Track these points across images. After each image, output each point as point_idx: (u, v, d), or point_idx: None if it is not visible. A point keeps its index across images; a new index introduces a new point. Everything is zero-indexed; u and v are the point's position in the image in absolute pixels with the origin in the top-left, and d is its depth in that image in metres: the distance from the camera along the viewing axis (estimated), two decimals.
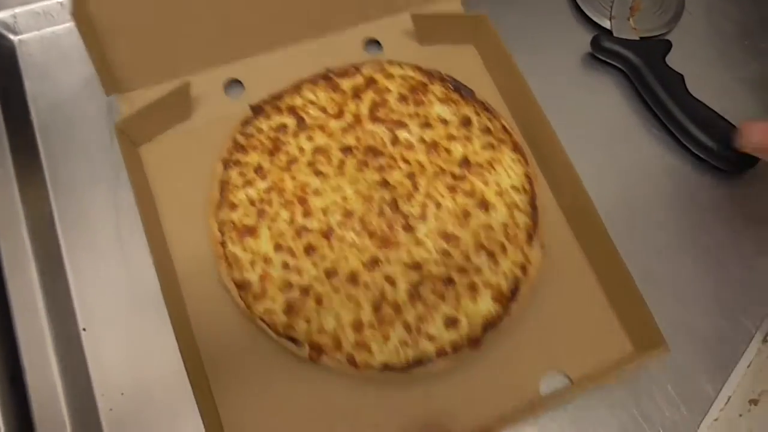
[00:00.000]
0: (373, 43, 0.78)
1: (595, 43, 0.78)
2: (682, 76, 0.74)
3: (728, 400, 0.62)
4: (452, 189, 0.67)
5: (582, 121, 0.76)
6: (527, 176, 0.68)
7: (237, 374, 0.61)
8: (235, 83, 0.74)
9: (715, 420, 0.60)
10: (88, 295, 0.64)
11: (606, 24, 0.80)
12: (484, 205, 0.66)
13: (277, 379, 0.61)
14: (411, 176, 0.67)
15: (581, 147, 0.69)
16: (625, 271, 0.62)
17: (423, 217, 0.65)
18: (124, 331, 0.63)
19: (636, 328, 0.63)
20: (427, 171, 0.67)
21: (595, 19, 0.81)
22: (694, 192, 0.73)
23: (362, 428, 0.60)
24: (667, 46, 0.77)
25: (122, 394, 0.61)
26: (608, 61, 0.78)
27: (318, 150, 0.68)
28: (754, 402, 0.62)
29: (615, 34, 0.78)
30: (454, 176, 0.67)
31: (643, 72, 0.75)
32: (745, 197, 0.73)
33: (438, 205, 0.66)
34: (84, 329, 0.63)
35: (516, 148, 0.69)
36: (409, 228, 0.65)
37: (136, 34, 0.68)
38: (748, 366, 0.61)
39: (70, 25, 0.74)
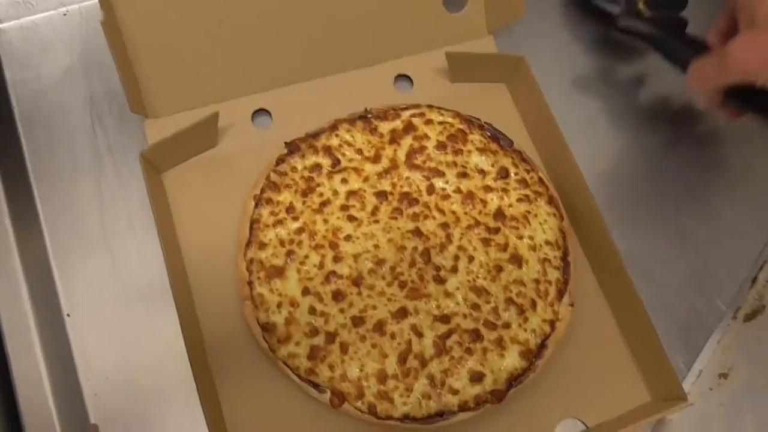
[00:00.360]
0: (404, 78, 0.77)
1: (618, 20, 0.76)
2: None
3: (699, 374, 0.65)
4: (486, 242, 0.66)
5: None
6: (561, 231, 0.67)
7: (255, 414, 0.61)
8: (262, 113, 0.73)
9: (687, 393, 0.61)
10: (72, 283, 0.65)
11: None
12: (517, 260, 0.65)
13: (295, 422, 0.61)
14: (445, 227, 0.66)
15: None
16: (649, 323, 0.61)
17: (455, 269, 0.65)
18: (109, 318, 0.63)
19: (655, 379, 0.63)
20: (461, 222, 0.66)
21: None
22: (667, 173, 0.75)
23: None
24: (684, 22, 0.74)
25: (107, 378, 0.62)
26: (632, 37, 0.76)
27: (352, 194, 0.67)
28: (724, 376, 0.64)
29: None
30: (488, 229, 0.66)
31: (669, 44, 0.72)
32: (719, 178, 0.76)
33: (471, 258, 0.65)
34: (68, 315, 0.64)
35: (551, 201, 0.68)
36: (440, 280, 0.64)
37: (165, 56, 0.68)
38: (719, 342, 0.63)
39: (49, 13, 0.73)
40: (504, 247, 0.66)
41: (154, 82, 0.68)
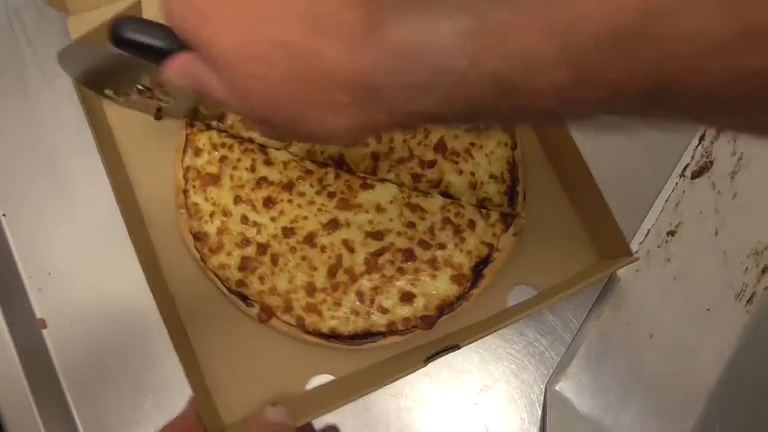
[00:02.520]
0: None
1: None
2: None
3: (647, 233, 0.65)
4: (416, 178, 0.64)
5: None
6: (511, 162, 0.64)
7: (195, 322, 0.62)
8: None
9: (635, 252, 0.63)
10: (5, 183, 0.65)
11: None
12: (448, 197, 0.63)
13: (227, 333, 0.61)
14: (375, 157, 0.64)
15: None
16: (594, 187, 0.59)
17: (383, 183, 0.63)
18: (46, 214, 0.64)
19: (603, 240, 0.63)
20: (394, 153, 0.64)
21: None
22: None
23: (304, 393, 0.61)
24: None
25: (49, 274, 0.62)
26: None
27: None
28: (671, 233, 0.65)
29: None
30: (422, 163, 0.64)
31: None
32: None
33: (402, 183, 0.64)
34: (4, 215, 0.64)
35: (506, 128, 0.65)
36: (367, 186, 0.63)
37: None
38: (666, 200, 0.63)
39: None
40: (436, 183, 0.63)
41: None
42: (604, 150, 0.63)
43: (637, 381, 0.61)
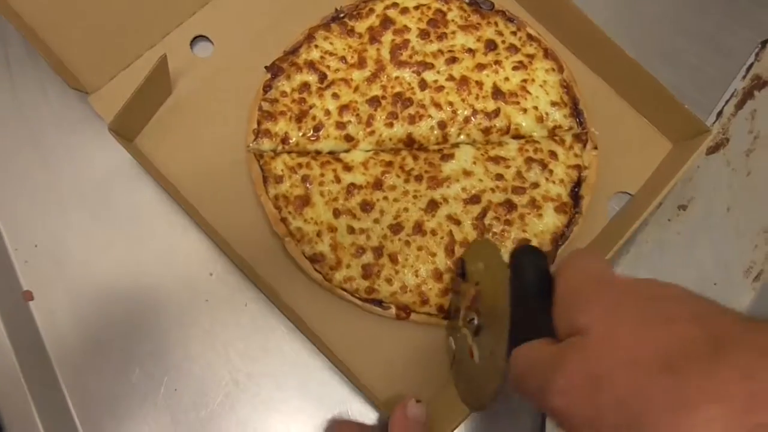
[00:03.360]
0: None
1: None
2: None
3: (659, 205, 0.65)
4: (486, 131, 0.65)
5: None
6: (564, 85, 0.66)
7: (337, 338, 0.61)
8: (199, 40, 0.67)
9: (646, 225, 0.65)
10: None
11: None
12: (521, 137, 0.65)
13: (370, 339, 0.61)
14: (441, 125, 0.64)
15: None
16: (649, 77, 0.62)
17: (458, 147, 0.64)
18: (31, 188, 0.63)
19: (672, 124, 0.66)
20: (458, 116, 0.64)
21: None
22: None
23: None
24: None
25: (36, 246, 0.62)
26: None
27: (344, 108, 0.64)
28: (683, 207, 0.66)
29: None
30: (487, 114, 0.64)
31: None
32: None
33: (474, 141, 0.65)
34: None
35: (547, 54, 0.67)
36: (447, 157, 0.63)
37: (75, 26, 0.62)
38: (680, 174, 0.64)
39: None
40: (506, 130, 0.65)
41: (77, 56, 0.62)
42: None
43: None
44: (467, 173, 0.63)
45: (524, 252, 0.41)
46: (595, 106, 0.67)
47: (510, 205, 0.62)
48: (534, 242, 0.62)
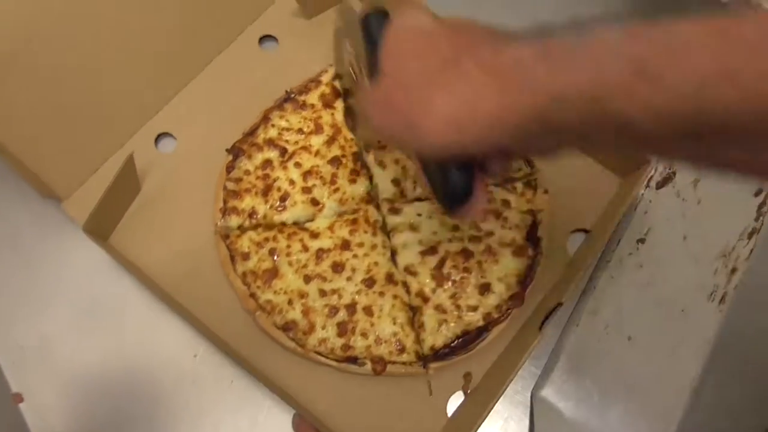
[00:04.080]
0: (268, 38, 0.76)
1: None
2: None
3: (618, 242, 0.69)
4: None
5: None
6: None
7: (317, 402, 0.62)
8: (163, 137, 0.71)
9: (608, 261, 0.68)
10: None
11: None
12: None
13: (351, 398, 0.62)
14: (396, 182, 0.68)
15: None
16: None
17: (421, 196, 0.67)
18: (12, 289, 0.65)
19: (617, 162, 0.69)
20: (410, 169, 0.68)
21: None
22: None
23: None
24: None
25: (22, 347, 0.63)
26: None
27: (308, 174, 0.67)
28: (641, 241, 0.69)
29: None
30: None
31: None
32: None
33: (428, 196, 0.67)
34: None
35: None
36: (411, 201, 0.67)
37: (39, 138, 0.64)
38: (635, 210, 0.66)
39: None
40: None
41: (48, 166, 0.65)
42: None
43: (619, 383, 0.63)
44: (414, 227, 0.66)
45: (369, 14, 0.47)
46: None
47: (467, 253, 0.65)
48: (500, 285, 0.64)
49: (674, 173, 0.72)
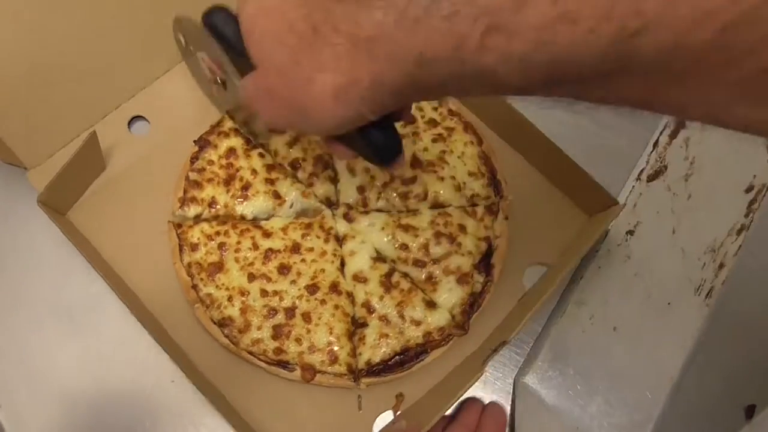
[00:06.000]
0: None
1: None
2: None
3: (607, 233, 0.69)
4: (404, 196, 0.67)
5: None
6: (482, 156, 0.68)
7: (246, 403, 0.61)
8: (137, 119, 0.71)
9: (596, 251, 0.68)
10: None
11: None
12: (439, 206, 0.67)
13: (278, 403, 0.61)
14: (361, 189, 0.67)
15: None
16: (565, 157, 0.64)
17: (367, 215, 0.66)
18: None
19: (587, 200, 0.67)
20: (376, 180, 0.67)
21: None
22: None
23: None
24: None
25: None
26: None
27: (271, 167, 0.67)
28: (630, 233, 0.69)
29: None
30: (404, 181, 0.67)
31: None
32: None
33: (393, 207, 0.67)
34: None
35: (467, 128, 0.70)
36: (366, 212, 0.66)
37: (18, 108, 0.64)
38: (624, 203, 0.65)
39: None
40: (423, 197, 0.66)
41: (17, 131, 0.65)
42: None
43: (602, 373, 0.64)
44: (366, 237, 0.65)
45: (210, 14, 0.45)
46: (514, 181, 0.69)
47: (409, 277, 0.64)
48: (442, 311, 0.63)
49: (665, 167, 0.72)
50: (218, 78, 0.59)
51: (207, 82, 0.64)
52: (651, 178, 0.72)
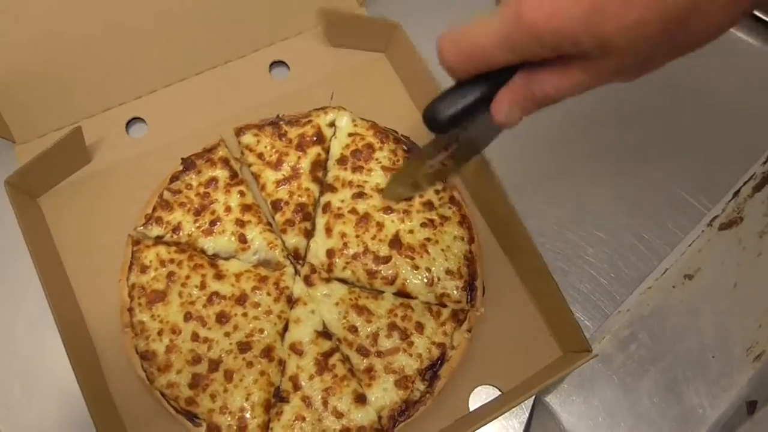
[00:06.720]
0: (280, 64, 0.74)
1: None
2: None
3: (664, 272, 0.66)
4: (371, 274, 0.63)
5: None
6: (468, 256, 0.64)
7: None
8: (137, 121, 0.70)
9: (649, 288, 0.65)
10: None
11: None
12: (404, 295, 0.62)
13: None
14: (330, 254, 0.63)
15: None
16: (554, 286, 0.59)
17: (346, 279, 0.63)
18: None
19: (564, 335, 0.62)
20: (348, 248, 0.63)
21: None
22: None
23: None
24: None
25: None
26: None
27: (247, 208, 0.64)
28: (689, 277, 0.66)
29: None
30: (377, 258, 0.63)
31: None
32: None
33: (358, 280, 0.63)
34: None
35: (463, 222, 0.65)
36: (328, 280, 0.62)
37: (21, 79, 0.64)
38: (690, 245, 0.63)
39: None
40: (391, 281, 0.62)
41: (16, 105, 0.65)
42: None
43: (629, 410, 0.61)
44: (318, 308, 0.62)
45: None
46: (495, 291, 0.65)
47: (349, 362, 0.60)
48: (369, 410, 0.58)
49: (741, 218, 0.70)
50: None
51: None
52: (723, 227, 0.69)
